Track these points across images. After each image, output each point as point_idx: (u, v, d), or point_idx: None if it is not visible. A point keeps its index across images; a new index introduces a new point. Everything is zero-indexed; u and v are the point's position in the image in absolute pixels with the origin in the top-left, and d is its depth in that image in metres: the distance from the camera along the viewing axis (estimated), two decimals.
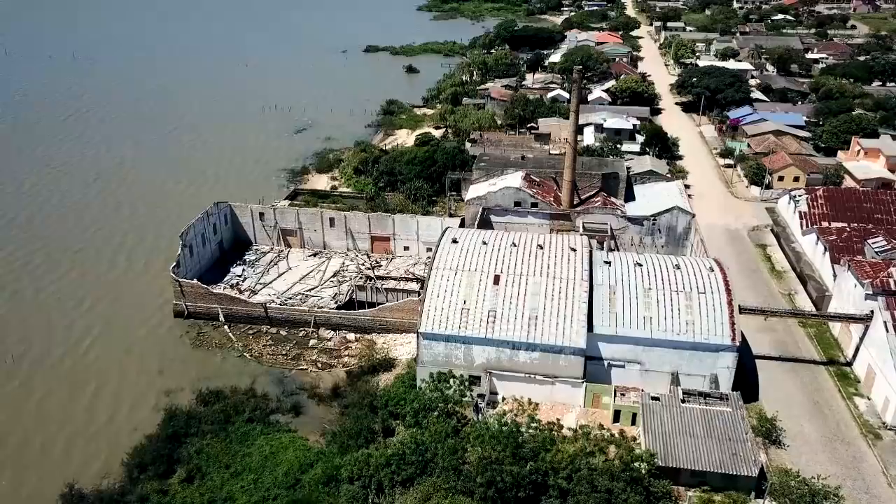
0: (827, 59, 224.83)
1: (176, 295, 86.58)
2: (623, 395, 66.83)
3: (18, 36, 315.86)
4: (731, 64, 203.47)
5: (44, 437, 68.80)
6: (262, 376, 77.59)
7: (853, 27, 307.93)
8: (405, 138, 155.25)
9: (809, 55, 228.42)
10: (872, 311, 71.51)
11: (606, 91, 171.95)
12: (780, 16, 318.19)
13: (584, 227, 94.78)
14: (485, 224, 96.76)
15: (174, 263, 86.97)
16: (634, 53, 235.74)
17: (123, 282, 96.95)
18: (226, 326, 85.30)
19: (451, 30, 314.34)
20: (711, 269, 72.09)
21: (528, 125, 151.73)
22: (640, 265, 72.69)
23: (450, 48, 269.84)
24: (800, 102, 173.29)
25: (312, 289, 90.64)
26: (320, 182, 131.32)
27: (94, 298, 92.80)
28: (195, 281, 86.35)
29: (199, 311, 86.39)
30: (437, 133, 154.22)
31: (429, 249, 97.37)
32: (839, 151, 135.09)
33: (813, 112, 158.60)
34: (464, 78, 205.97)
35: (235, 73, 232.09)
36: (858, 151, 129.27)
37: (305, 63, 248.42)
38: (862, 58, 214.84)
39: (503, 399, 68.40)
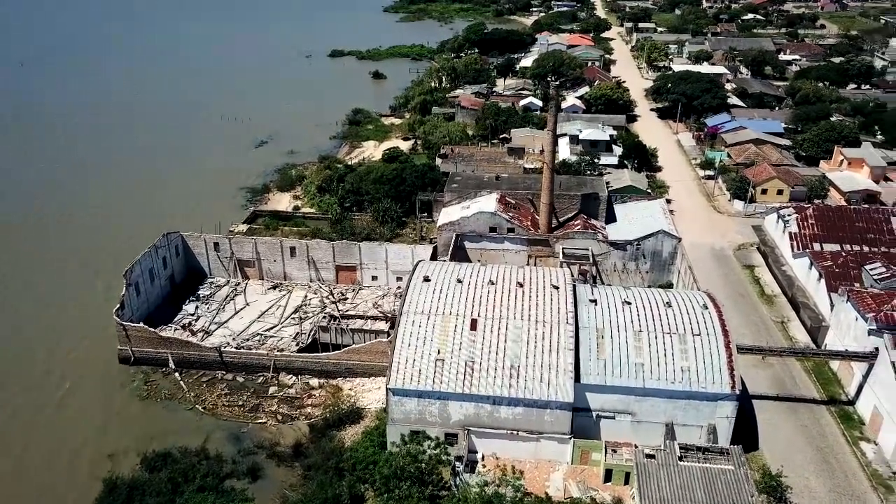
0: (800, 60, 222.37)
1: (120, 339, 78.67)
2: (615, 451, 60.81)
3: None
4: (705, 67, 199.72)
5: None
6: (216, 432, 70.19)
7: (822, 26, 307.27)
8: (372, 151, 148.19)
9: (782, 57, 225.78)
10: (877, 349, 66.45)
11: (580, 98, 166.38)
12: (750, 15, 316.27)
13: (563, 253, 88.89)
14: (459, 251, 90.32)
15: (118, 305, 78.93)
16: (607, 56, 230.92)
17: (62, 324, 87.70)
18: (176, 374, 77.68)
19: (419, 32, 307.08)
20: (705, 307, 66.46)
21: (501, 136, 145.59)
22: (629, 303, 66.80)
23: (418, 52, 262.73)
24: (777, 108, 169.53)
25: (272, 328, 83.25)
26: (282, 202, 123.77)
27: (25, 343, 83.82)
28: (141, 324, 78.53)
29: (147, 356, 78.63)
30: (406, 145, 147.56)
31: (399, 279, 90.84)
32: (821, 161, 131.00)
33: (791, 118, 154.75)
34: (433, 84, 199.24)
35: (191, 82, 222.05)
36: (841, 161, 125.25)
37: (267, 69, 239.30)
38: (836, 59, 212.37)
39: (483, 458, 61.98)
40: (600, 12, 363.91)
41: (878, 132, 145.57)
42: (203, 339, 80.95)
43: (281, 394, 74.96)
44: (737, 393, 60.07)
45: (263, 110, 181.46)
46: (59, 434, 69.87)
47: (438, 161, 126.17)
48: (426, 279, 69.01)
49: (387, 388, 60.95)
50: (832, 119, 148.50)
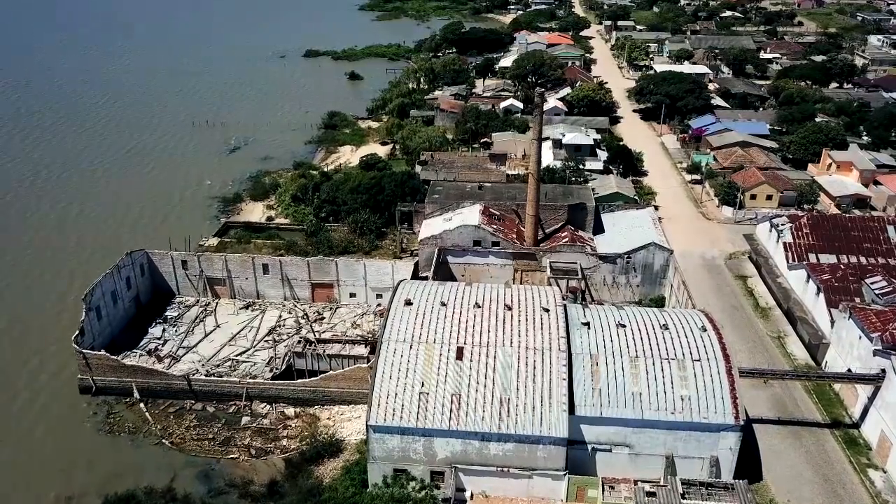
0: (780, 58, 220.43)
1: (80, 368, 73.34)
2: (612, 488, 56.97)
3: None
4: (686, 67, 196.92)
5: None
6: (184, 469, 65.32)
7: (800, 24, 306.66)
8: (349, 156, 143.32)
9: (763, 55, 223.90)
10: (884, 370, 63.24)
11: (562, 100, 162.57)
12: (729, 13, 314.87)
13: (551, 267, 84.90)
14: (441, 266, 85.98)
15: (77, 332, 73.52)
16: (587, 56, 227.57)
17: (16, 352, 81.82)
18: (142, 404, 72.51)
19: (396, 31, 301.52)
20: (704, 329, 62.77)
21: (482, 140, 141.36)
22: (624, 326, 62.95)
23: (394, 51, 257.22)
24: (761, 108, 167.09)
25: (244, 352, 78.33)
26: (255, 212, 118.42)
27: None
28: (103, 352, 73.16)
29: (110, 385, 73.34)
30: (384, 150, 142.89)
31: (378, 296, 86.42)
32: (809, 164, 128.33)
33: (776, 119, 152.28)
34: (410, 85, 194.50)
35: (157, 84, 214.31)
36: (830, 165, 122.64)
37: (239, 71, 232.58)
38: (818, 58, 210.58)
39: (471, 497, 57.79)
40: (578, 10, 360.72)
41: (864, 133, 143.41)
42: (170, 365, 75.83)
43: (254, 425, 70.13)
44: (741, 424, 56.48)
45: (236, 114, 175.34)
46: (12, 474, 64.59)
47: (418, 168, 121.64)
48: (408, 303, 64.60)
49: (367, 425, 56.51)
50: (817, 120, 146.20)
